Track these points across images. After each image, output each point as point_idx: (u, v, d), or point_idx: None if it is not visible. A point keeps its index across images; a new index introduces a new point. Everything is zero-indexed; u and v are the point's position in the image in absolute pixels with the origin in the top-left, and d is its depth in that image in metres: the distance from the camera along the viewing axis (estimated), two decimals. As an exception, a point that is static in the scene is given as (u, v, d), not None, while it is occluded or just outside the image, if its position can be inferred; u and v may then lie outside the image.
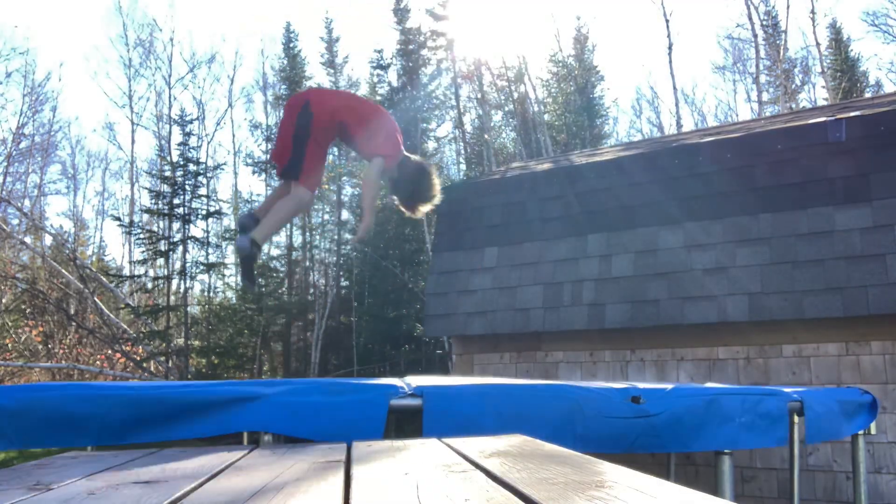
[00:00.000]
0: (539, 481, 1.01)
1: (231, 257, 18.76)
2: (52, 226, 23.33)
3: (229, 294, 18.18)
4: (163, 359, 13.12)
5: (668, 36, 18.10)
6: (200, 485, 1.09)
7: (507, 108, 20.86)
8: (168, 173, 13.89)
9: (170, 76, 22.87)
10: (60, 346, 14.92)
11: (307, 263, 18.91)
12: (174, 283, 15.52)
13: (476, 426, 2.06)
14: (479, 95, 19.55)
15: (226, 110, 28.12)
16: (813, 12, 17.98)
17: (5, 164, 20.95)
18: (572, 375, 5.25)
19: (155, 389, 2.12)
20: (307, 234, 19.26)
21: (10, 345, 14.61)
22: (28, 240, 17.78)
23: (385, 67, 19.56)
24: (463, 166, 20.85)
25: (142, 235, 15.45)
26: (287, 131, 3.40)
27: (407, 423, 2.16)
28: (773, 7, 21.10)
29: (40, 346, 14.82)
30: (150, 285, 15.91)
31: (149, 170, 23.12)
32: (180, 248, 13.32)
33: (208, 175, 15.54)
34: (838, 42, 21.99)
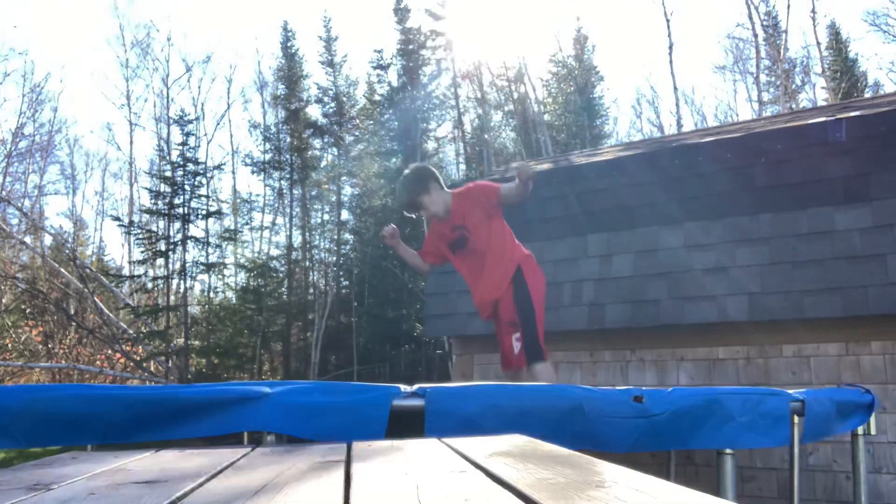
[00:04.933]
0: (539, 481, 1.01)
1: (230, 257, 18.76)
2: (51, 226, 23.34)
3: (229, 294, 18.17)
4: (163, 359, 13.11)
5: (669, 36, 18.12)
6: (200, 485, 1.09)
7: (507, 108, 20.86)
8: (168, 173, 13.88)
9: (167, 76, 22.86)
10: (60, 346, 14.90)
11: (307, 263, 18.89)
12: (174, 283, 15.52)
13: (477, 426, 2.07)
14: (479, 95, 19.55)
15: (224, 111, 28.16)
16: (813, 12, 17.99)
17: (5, 164, 20.95)
18: (572, 376, 5.25)
19: (155, 390, 2.13)
20: (307, 234, 19.24)
21: (10, 345, 14.60)
22: (28, 240, 17.77)
23: (385, 67, 19.54)
24: (463, 166, 20.84)
25: (141, 235, 15.44)
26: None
27: (408, 423, 2.16)
28: (774, 7, 21.11)
29: (40, 346, 14.81)
30: (149, 285, 15.89)
31: (148, 170, 23.12)
32: (180, 248, 13.32)
33: (208, 175, 15.52)
34: (837, 42, 21.99)
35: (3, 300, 15.89)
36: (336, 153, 19.71)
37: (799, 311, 4.27)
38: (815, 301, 4.24)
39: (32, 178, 23.62)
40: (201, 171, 13.66)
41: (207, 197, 14.16)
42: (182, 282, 14.47)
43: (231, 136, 33.71)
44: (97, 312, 14.17)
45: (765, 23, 19.64)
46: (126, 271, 21.02)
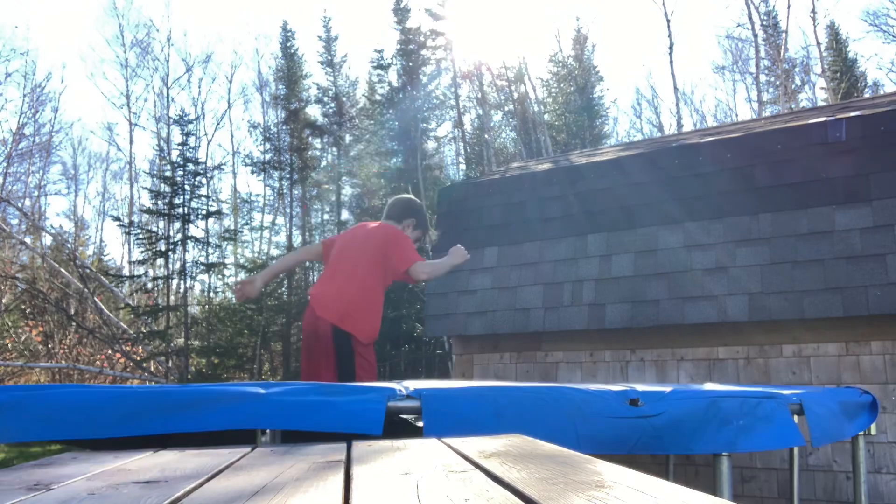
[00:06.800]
0: (539, 481, 1.01)
1: (230, 257, 18.77)
2: (52, 226, 23.33)
3: (229, 294, 18.16)
4: (163, 359, 13.12)
5: (669, 36, 18.12)
6: (200, 485, 1.09)
7: (507, 108, 20.87)
8: (168, 173, 13.88)
9: (167, 76, 22.86)
10: (60, 346, 14.90)
11: (307, 263, 18.87)
12: (174, 283, 15.53)
13: (475, 429, 2.06)
14: (479, 95, 19.56)
15: (224, 111, 28.16)
16: (813, 12, 17.99)
17: (5, 164, 20.95)
18: (572, 376, 5.25)
19: (154, 389, 2.12)
20: (307, 234, 19.24)
21: (10, 345, 14.60)
22: (28, 240, 17.77)
23: (385, 67, 19.54)
24: (463, 166, 20.86)
25: (141, 235, 15.44)
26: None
27: (405, 425, 2.16)
28: (773, 7, 21.12)
29: (40, 346, 14.81)
30: (150, 285, 15.89)
31: (148, 170, 23.13)
32: (180, 248, 13.32)
33: (208, 175, 15.52)
34: (837, 43, 22.00)
35: (3, 300, 15.89)
36: (336, 153, 19.70)
37: (799, 311, 4.27)
38: (815, 301, 4.24)
39: (33, 179, 23.63)
40: (201, 171, 13.66)
41: (207, 197, 14.15)
42: (182, 282, 14.47)
43: (231, 136, 33.78)
44: (97, 312, 14.18)
45: (765, 23, 19.66)
46: (126, 271, 21.02)
